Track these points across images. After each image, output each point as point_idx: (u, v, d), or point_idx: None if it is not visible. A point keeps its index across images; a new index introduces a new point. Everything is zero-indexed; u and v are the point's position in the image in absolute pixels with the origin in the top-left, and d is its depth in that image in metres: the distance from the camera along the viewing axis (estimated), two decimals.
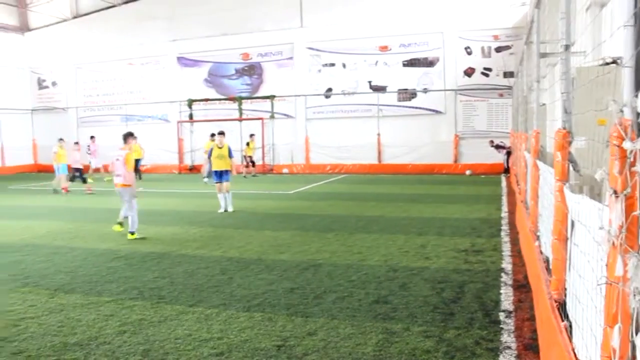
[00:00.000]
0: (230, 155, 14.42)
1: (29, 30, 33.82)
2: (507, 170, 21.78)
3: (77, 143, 22.76)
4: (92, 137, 25.07)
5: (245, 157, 25.25)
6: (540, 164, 6.87)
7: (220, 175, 14.28)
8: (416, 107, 25.49)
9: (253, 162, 25.54)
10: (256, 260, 8.71)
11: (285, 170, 26.80)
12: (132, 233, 11.05)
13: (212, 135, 23.79)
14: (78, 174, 21.29)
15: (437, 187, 18.99)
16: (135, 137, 12.30)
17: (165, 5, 29.60)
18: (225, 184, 14.28)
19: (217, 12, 28.24)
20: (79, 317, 6.25)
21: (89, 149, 24.34)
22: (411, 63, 25.48)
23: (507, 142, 22.59)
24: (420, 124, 25.29)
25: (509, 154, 21.95)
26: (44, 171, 26.97)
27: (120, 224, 11.52)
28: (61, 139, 22.08)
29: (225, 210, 14.19)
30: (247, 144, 25.54)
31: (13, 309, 6.65)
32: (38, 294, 7.23)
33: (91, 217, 14.17)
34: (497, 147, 22.53)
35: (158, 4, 29.85)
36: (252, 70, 28.27)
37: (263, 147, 26.67)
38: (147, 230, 11.82)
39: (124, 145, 11.62)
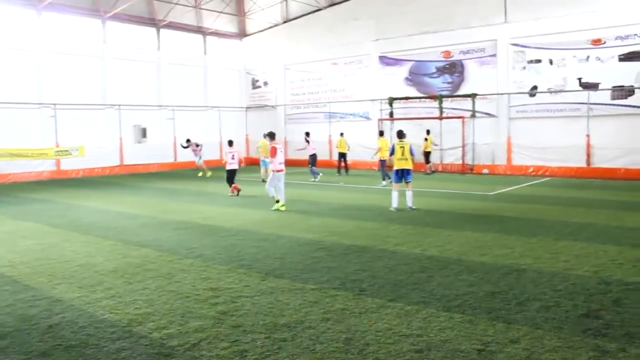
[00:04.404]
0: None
1: (246, 35, 36.94)
2: None
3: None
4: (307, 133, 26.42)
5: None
6: None
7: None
8: (634, 106, 23.12)
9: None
10: (456, 261, 8.60)
11: (485, 171, 26.00)
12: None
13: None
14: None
15: None
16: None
17: (368, 6, 30.38)
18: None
19: (418, 10, 28.29)
20: (287, 301, 6.70)
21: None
22: (629, 57, 23.14)
23: None
24: (638, 125, 22.92)
25: None
26: (254, 164, 29.16)
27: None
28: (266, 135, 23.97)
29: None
30: (425, 139, 25.70)
31: (231, 287, 7.36)
32: (251, 276, 7.89)
33: (296, 207, 15.05)
34: None
35: (361, 5, 30.75)
36: (453, 68, 27.84)
37: (463, 146, 26.15)
38: (347, 224, 12.29)
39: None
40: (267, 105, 36.05)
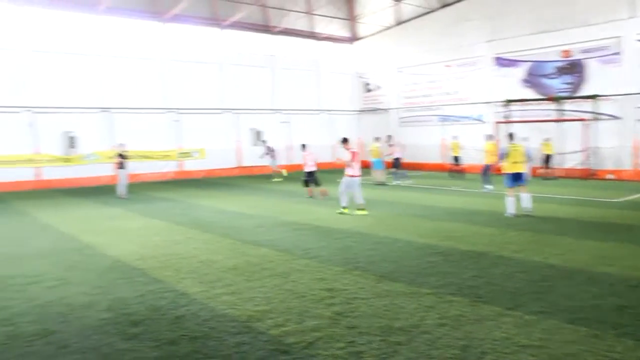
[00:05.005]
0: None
1: (357, 39, 37.17)
2: None
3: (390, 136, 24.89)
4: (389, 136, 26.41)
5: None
6: None
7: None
8: None
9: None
10: (579, 271, 8.17)
11: (610, 176, 24.50)
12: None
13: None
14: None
15: None
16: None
17: (483, 6, 29.58)
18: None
19: (536, 9, 27.17)
20: (402, 305, 6.69)
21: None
22: None
23: None
24: None
25: None
26: (366, 167, 29.22)
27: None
28: (377, 138, 24.26)
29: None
30: (543, 144, 24.97)
31: (347, 288, 7.46)
32: (366, 278, 7.95)
33: (409, 211, 14.97)
34: None
35: (475, 6, 30.00)
36: (573, 68, 26.43)
37: (585, 150, 24.80)
38: (462, 229, 12.06)
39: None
40: (379, 109, 36.08)
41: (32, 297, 7.40)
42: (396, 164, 23.77)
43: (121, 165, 20.18)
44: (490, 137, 21.93)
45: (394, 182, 23.16)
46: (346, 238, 11.16)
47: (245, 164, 31.36)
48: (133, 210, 16.53)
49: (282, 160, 31.38)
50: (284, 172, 27.16)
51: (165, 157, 28.62)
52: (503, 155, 13.95)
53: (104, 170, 26.22)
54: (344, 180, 14.76)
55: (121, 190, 20.00)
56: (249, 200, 18.56)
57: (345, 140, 15.22)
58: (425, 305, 6.63)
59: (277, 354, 5.30)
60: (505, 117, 28.19)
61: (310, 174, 19.09)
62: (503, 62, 29.01)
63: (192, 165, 29.57)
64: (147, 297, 7.28)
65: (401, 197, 18.44)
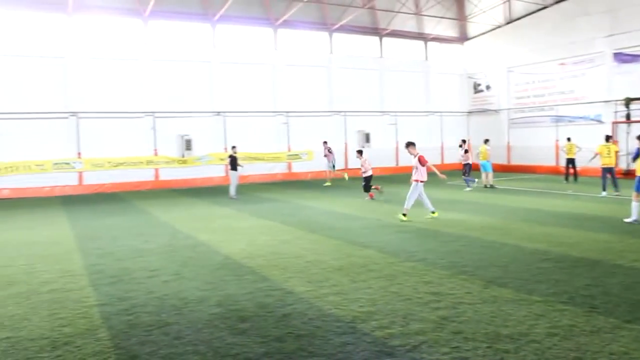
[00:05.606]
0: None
1: (467, 39, 36.40)
2: None
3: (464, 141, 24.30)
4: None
5: None
6: None
7: None
8: None
9: None
10: None
11: None
12: None
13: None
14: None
15: None
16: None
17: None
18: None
19: None
20: (510, 312, 6.48)
21: None
22: None
23: None
24: None
25: None
26: (475, 169, 28.48)
27: None
28: (486, 140, 23.56)
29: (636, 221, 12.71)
30: None
31: (453, 292, 7.34)
32: (473, 283, 7.78)
33: (519, 215, 14.45)
34: None
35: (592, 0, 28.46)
36: None
37: None
38: (575, 234, 11.49)
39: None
40: (489, 110, 35.08)
41: (150, 290, 7.90)
42: (467, 169, 22.93)
43: (233, 167, 20.97)
44: (608, 138, 20.63)
45: (470, 187, 22.33)
46: (452, 242, 10.98)
47: (352, 166, 31.55)
48: (243, 210, 17.15)
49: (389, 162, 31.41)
50: (345, 176, 27.13)
51: (274, 158, 29.45)
52: (635, 157, 13.10)
53: (216, 171, 27.39)
54: (414, 185, 14.09)
55: (232, 190, 20.76)
56: (354, 202, 18.67)
57: (409, 144, 14.51)
58: (534, 313, 6.39)
59: (381, 356, 5.31)
60: (626, 116, 26.48)
61: (370, 178, 19.46)
62: (624, 57, 27.25)
63: (300, 167, 30.20)
64: (255, 294, 7.53)
65: (510, 201, 17.84)
